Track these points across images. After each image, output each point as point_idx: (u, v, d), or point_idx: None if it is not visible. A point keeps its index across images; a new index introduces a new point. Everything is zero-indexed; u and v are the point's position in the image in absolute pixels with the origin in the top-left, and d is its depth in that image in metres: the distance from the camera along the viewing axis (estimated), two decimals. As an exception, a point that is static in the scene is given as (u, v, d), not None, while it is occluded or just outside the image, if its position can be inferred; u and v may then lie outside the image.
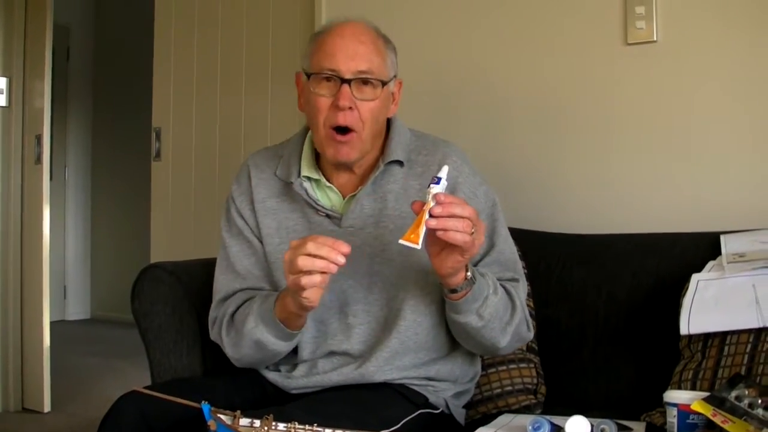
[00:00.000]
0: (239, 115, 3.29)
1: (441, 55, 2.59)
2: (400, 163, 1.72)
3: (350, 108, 1.62)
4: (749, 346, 1.62)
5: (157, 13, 3.61)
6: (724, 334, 1.67)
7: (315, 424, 1.28)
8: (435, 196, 1.41)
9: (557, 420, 1.49)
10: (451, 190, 1.68)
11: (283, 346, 1.66)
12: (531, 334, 1.74)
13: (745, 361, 1.60)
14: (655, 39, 2.21)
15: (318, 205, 1.72)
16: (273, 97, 3.17)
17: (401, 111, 1.82)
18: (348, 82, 1.62)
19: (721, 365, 1.63)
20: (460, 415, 1.79)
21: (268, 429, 1.24)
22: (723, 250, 1.83)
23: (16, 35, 3.82)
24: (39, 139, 3.80)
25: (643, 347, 1.91)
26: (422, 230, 1.39)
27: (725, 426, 1.35)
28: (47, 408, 3.78)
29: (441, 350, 1.73)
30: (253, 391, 1.72)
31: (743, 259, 1.76)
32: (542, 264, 2.07)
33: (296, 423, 1.27)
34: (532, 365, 1.95)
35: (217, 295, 1.78)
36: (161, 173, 3.59)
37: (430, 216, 1.39)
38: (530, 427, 1.47)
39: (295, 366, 1.74)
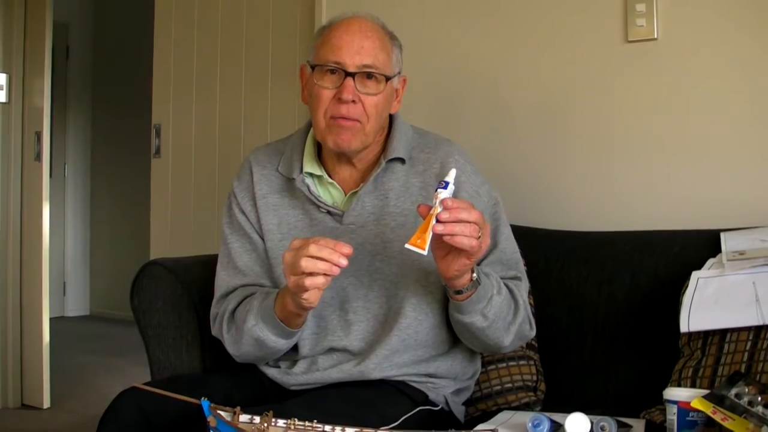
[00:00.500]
0: (239, 112, 3.28)
1: (442, 54, 2.59)
2: (401, 160, 1.72)
3: (353, 101, 1.63)
4: (749, 343, 1.62)
5: (157, 10, 3.60)
6: (723, 332, 1.67)
7: (314, 421, 1.28)
8: (443, 201, 1.40)
9: (557, 417, 1.49)
10: (455, 188, 1.68)
11: (283, 344, 1.66)
12: (533, 333, 1.74)
13: (745, 359, 1.60)
14: (655, 36, 2.21)
15: (319, 201, 1.72)
16: (273, 94, 3.16)
17: (404, 110, 1.82)
18: (352, 75, 1.62)
19: (721, 363, 1.63)
20: (459, 412, 1.79)
21: (268, 425, 1.24)
22: (723, 248, 1.83)
23: (16, 32, 3.81)
24: (39, 136, 3.80)
25: (643, 345, 1.91)
26: (429, 235, 1.38)
27: (725, 423, 1.35)
28: (46, 404, 3.78)
29: (441, 347, 1.73)
30: (252, 387, 1.73)
31: (743, 256, 1.76)
32: (542, 262, 2.07)
33: (296, 420, 1.27)
34: (532, 362, 1.95)
35: (218, 292, 1.78)
36: (161, 170, 3.59)
37: (437, 221, 1.39)
38: (530, 424, 1.48)
39: (294, 362, 1.74)
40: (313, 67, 1.67)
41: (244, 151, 3.16)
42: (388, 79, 1.67)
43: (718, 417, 1.36)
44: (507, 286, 1.66)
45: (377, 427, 1.35)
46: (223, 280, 1.78)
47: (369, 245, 1.69)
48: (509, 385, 1.90)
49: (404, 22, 2.54)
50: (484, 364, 1.90)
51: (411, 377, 1.70)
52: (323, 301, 1.67)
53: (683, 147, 2.18)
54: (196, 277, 1.92)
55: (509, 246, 1.76)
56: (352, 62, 1.62)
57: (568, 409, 1.47)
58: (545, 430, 1.46)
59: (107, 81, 6.71)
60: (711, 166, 2.14)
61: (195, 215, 3.43)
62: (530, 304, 1.94)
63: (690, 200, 2.16)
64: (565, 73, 2.36)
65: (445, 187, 1.43)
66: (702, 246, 1.89)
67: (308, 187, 1.73)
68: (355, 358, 1.69)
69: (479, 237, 1.42)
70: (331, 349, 1.71)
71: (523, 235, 1.83)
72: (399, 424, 1.55)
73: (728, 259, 1.78)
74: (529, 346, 1.96)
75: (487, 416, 1.76)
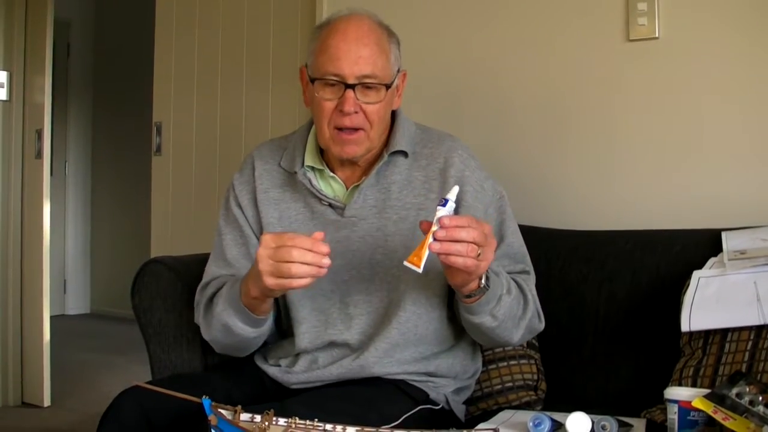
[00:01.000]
0: (240, 110, 3.28)
1: (444, 53, 2.59)
2: (404, 154, 1.72)
3: (356, 112, 1.63)
4: (750, 343, 1.62)
5: (158, 7, 3.60)
6: (725, 331, 1.67)
7: (315, 420, 1.28)
8: (439, 219, 1.40)
9: (558, 416, 1.49)
10: (459, 184, 1.68)
11: (250, 332, 1.65)
12: (542, 325, 1.75)
13: (746, 359, 1.60)
14: (657, 35, 2.21)
15: (321, 194, 1.72)
16: (274, 92, 3.16)
17: (407, 107, 1.81)
18: (352, 87, 1.62)
19: (722, 362, 1.63)
20: (460, 411, 1.79)
21: (269, 424, 1.24)
22: (724, 247, 1.83)
23: (17, 30, 3.82)
24: (39, 133, 3.80)
25: (644, 344, 1.91)
26: (425, 253, 1.39)
27: (726, 423, 1.35)
28: (47, 402, 3.79)
29: (442, 344, 1.73)
30: (252, 386, 1.73)
31: (744, 256, 1.76)
32: (543, 261, 2.07)
33: (297, 418, 1.27)
34: (532, 361, 1.94)
35: (202, 280, 1.80)
36: (162, 168, 3.59)
37: (434, 240, 1.39)
38: (531, 424, 1.47)
39: (295, 360, 1.74)
40: (312, 80, 1.67)
41: (245, 148, 3.16)
42: (388, 87, 1.67)
43: (719, 416, 1.36)
44: (515, 281, 1.66)
45: (378, 425, 1.35)
46: (210, 269, 1.80)
47: (370, 238, 1.69)
48: (510, 384, 1.90)
49: (407, 18, 2.55)
50: (484, 363, 1.90)
51: (411, 376, 1.70)
52: (323, 294, 1.67)
53: (685, 146, 2.18)
54: (197, 275, 1.91)
55: (516, 240, 1.76)
56: (351, 73, 1.62)
57: (569, 408, 1.47)
58: (546, 429, 1.46)
59: (108, 79, 6.71)
60: (712, 165, 2.14)
61: (196, 213, 3.43)
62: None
63: (691, 199, 2.16)
64: (567, 72, 2.36)
65: (444, 205, 1.43)
66: (703, 245, 1.89)
67: (310, 180, 1.73)
68: (354, 352, 1.70)
69: (478, 255, 1.42)
70: (332, 344, 1.71)
71: (524, 233, 1.83)
72: (400, 423, 1.55)
73: (729, 258, 1.77)
74: (530, 345, 1.96)
75: (487, 415, 1.76)
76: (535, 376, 1.93)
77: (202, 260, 1.95)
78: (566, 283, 2.04)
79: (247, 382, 1.73)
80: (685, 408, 1.44)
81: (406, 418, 1.58)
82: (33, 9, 3.82)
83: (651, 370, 1.85)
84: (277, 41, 3.17)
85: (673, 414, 1.46)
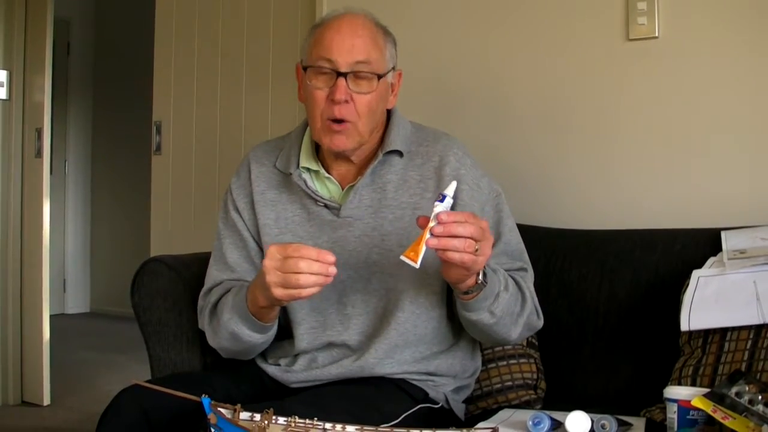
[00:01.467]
0: (240, 109, 3.28)
1: (443, 51, 2.59)
2: (399, 153, 1.72)
3: (346, 101, 1.63)
4: (749, 342, 1.62)
5: (158, 6, 3.60)
6: (724, 331, 1.67)
7: (315, 419, 1.28)
8: (437, 215, 1.40)
9: (557, 415, 1.49)
10: (456, 186, 1.68)
11: (258, 338, 1.66)
12: (541, 322, 1.74)
13: (746, 358, 1.60)
14: (656, 35, 2.21)
15: (317, 195, 1.72)
16: (273, 91, 3.16)
17: (404, 105, 1.81)
18: (344, 75, 1.62)
19: (722, 361, 1.63)
20: (460, 410, 1.79)
21: (269, 423, 1.24)
22: (724, 247, 1.83)
23: (17, 29, 3.81)
24: (39, 132, 3.80)
25: (643, 343, 1.91)
26: (422, 248, 1.39)
27: (725, 422, 1.35)
28: (46, 401, 3.79)
29: (441, 344, 1.73)
30: (252, 385, 1.73)
31: (744, 255, 1.76)
32: (542, 260, 2.07)
33: (296, 417, 1.27)
34: (532, 360, 1.95)
35: (205, 285, 1.80)
36: (161, 167, 3.59)
37: (431, 235, 1.39)
38: (530, 423, 1.48)
39: (294, 359, 1.74)
40: (305, 68, 1.68)
41: (245, 148, 3.16)
42: (380, 77, 1.66)
43: (718, 416, 1.36)
44: (513, 278, 1.66)
45: (377, 424, 1.35)
46: (211, 274, 1.80)
47: (366, 238, 1.69)
48: (509, 383, 1.90)
49: (405, 17, 2.55)
50: (484, 362, 1.90)
51: (411, 375, 1.70)
52: (320, 294, 1.67)
53: (684, 145, 2.18)
54: (197, 274, 1.92)
55: (513, 237, 1.76)
56: (343, 61, 1.62)
57: (569, 408, 1.47)
58: (546, 428, 1.46)
59: (108, 78, 6.71)
60: (712, 164, 2.14)
61: (195, 212, 3.43)
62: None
63: (691, 198, 2.16)
64: (567, 71, 2.36)
65: (442, 200, 1.43)
66: (703, 244, 1.89)
67: (305, 182, 1.73)
68: (354, 353, 1.70)
69: (476, 251, 1.42)
70: (330, 345, 1.71)
71: (524, 232, 1.83)
72: (399, 421, 1.55)
73: (729, 257, 1.77)
74: (529, 344, 1.96)
75: (487, 414, 1.76)
76: (535, 375, 1.93)
77: (201, 259, 1.95)
78: (566, 282, 2.04)
79: (247, 381, 1.73)
80: (684, 407, 1.44)
81: (405, 416, 1.58)
82: (33, 8, 3.82)
83: (650, 369, 1.85)
84: (277, 40, 3.17)
85: (672, 413, 1.46)
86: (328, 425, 1.28)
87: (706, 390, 1.45)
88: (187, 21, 3.46)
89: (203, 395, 1.21)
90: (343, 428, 1.28)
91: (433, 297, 1.69)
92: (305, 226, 1.73)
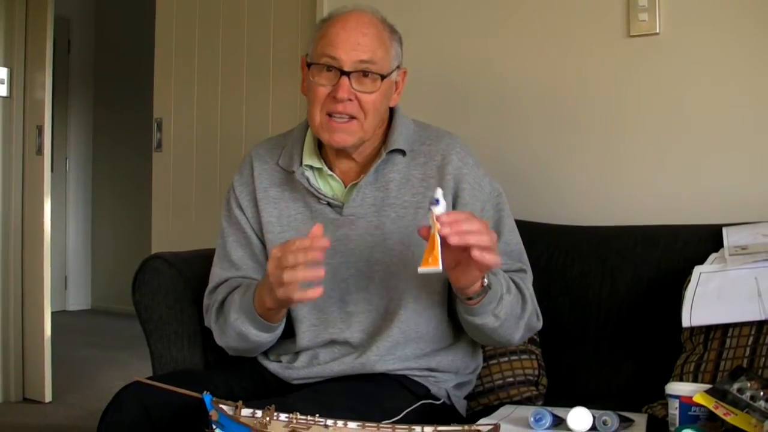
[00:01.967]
0: (240, 106, 3.28)
1: (445, 49, 2.58)
2: (402, 152, 1.72)
3: (350, 99, 1.63)
4: (751, 338, 1.62)
5: (159, 4, 3.60)
6: (726, 327, 1.67)
7: (316, 415, 1.28)
8: (437, 218, 1.39)
9: (559, 411, 1.49)
10: (456, 181, 1.68)
11: (266, 338, 1.67)
12: (540, 324, 1.74)
13: (747, 354, 1.60)
14: (657, 31, 2.20)
15: (319, 193, 1.72)
16: (274, 88, 3.16)
17: (407, 103, 1.81)
18: (348, 74, 1.62)
19: (723, 358, 1.63)
20: (461, 406, 1.79)
21: (270, 419, 1.24)
22: (725, 243, 1.83)
23: (18, 26, 3.81)
24: (40, 130, 3.81)
25: (645, 339, 1.91)
26: (438, 252, 1.36)
27: (727, 418, 1.35)
28: (48, 398, 3.79)
29: (443, 341, 1.73)
30: (253, 381, 1.73)
31: (745, 251, 1.76)
32: (544, 256, 2.07)
33: (298, 414, 1.27)
34: (533, 357, 1.94)
35: (210, 283, 1.80)
36: (162, 164, 3.58)
37: (441, 238, 1.37)
38: (532, 419, 1.48)
39: (296, 356, 1.74)
40: (309, 65, 1.67)
41: (246, 145, 3.16)
42: (383, 77, 1.66)
43: (720, 412, 1.36)
44: (513, 280, 1.66)
45: (379, 421, 1.34)
46: (216, 272, 1.80)
47: (369, 236, 1.69)
48: (511, 379, 1.90)
49: (409, 15, 2.54)
50: (485, 359, 1.90)
51: (413, 371, 1.70)
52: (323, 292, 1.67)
53: (686, 141, 2.17)
54: (198, 271, 1.92)
55: (513, 237, 1.76)
56: (348, 59, 1.62)
57: (570, 404, 1.47)
58: (547, 424, 1.46)
59: (109, 75, 6.71)
60: (713, 161, 2.14)
61: (196, 209, 3.43)
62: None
63: (692, 195, 2.16)
64: (568, 68, 2.36)
65: (437, 203, 1.42)
66: (704, 241, 1.89)
67: (308, 179, 1.73)
68: (355, 350, 1.70)
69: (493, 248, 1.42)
70: (332, 342, 1.71)
71: (526, 229, 1.83)
72: (401, 418, 1.55)
73: (730, 254, 1.77)
74: (531, 340, 1.96)
75: (488, 410, 1.76)
76: (536, 371, 1.93)
77: (203, 256, 1.95)
78: (568, 279, 2.04)
79: (249, 377, 1.74)
80: (686, 403, 1.44)
81: (407, 413, 1.58)
82: (33, 5, 3.82)
83: (652, 366, 1.85)
84: (277, 38, 3.17)
85: (674, 409, 1.46)
86: (329, 422, 1.28)
87: (708, 386, 1.45)
88: (188, 18, 3.46)
89: (205, 392, 1.21)
90: (345, 425, 1.28)
91: (435, 295, 1.69)
92: (308, 224, 1.72)
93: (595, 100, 2.31)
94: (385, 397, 1.59)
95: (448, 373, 1.75)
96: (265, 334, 1.66)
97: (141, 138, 5.21)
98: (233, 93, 3.31)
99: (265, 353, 1.79)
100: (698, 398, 1.40)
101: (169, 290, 1.91)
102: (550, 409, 1.51)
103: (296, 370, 1.72)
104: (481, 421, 1.57)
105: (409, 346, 1.69)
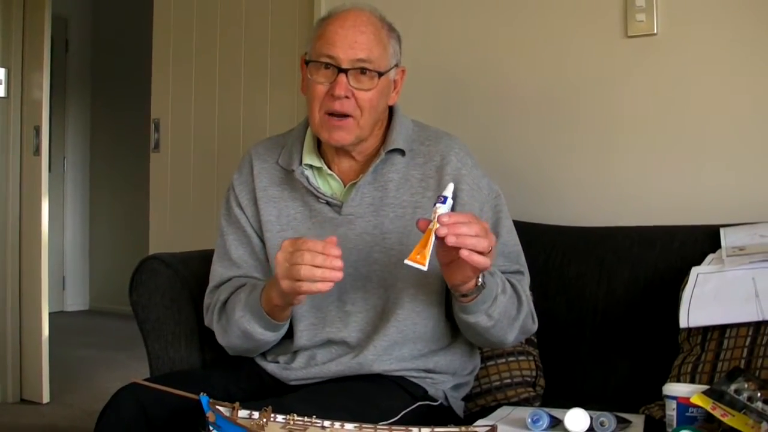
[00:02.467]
0: (238, 106, 3.28)
1: (443, 49, 2.58)
2: (401, 152, 1.72)
3: (347, 97, 1.63)
4: (748, 339, 1.62)
5: (156, 4, 3.60)
6: (723, 328, 1.67)
7: (314, 416, 1.28)
8: (438, 217, 1.39)
9: (556, 413, 1.49)
10: (455, 182, 1.68)
11: (270, 336, 1.67)
12: (535, 326, 1.74)
13: (745, 355, 1.60)
14: (655, 32, 2.20)
15: (319, 192, 1.72)
16: (272, 89, 3.16)
17: (406, 103, 1.81)
18: (345, 71, 1.62)
19: (721, 358, 1.63)
20: (459, 407, 1.79)
21: (267, 421, 1.24)
22: (722, 243, 1.83)
23: (15, 26, 3.81)
24: (37, 130, 3.80)
25: (642, 340, 1.91)
26: (429, 251, 1.37)
27: (724, 419, 1.35)
28: (46, 399, 3.78)
29: (440, 342, 1.73)
30: (251, 382, 1.73)
31: (743, 252, 1.76)
32: (541, 256, 2.07)
33: (295, 415, 1.27)
34: (531, 358, 1.94)
35: (211, 282, 1.80)
36: (160, 164, 3.58)
37: (437, 237, 1.38)
38: (529, 420, 1.47)
39: (293, 356, 1.74)
40: (308, 62, 1.68)
41: (244, 145, 3.16)
42: (381, 74, 1.66)
43: (717, 413, 1.36)
44: (510, 281, 1.66)
45: (376, 422, 1.34)
46: (217, 271, 1.80)
47: (367, 236, 1.69)
48: (508, 380, 1.90)
49: (407, 14, 2.54)
50: (483, 360, 1.90)
51: (410, 372, 1.70)
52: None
53: (683, 142, 2.18)
54: (195, 272, 1.92)
55: (511, 239, 1.76)
56: (345, 57, 1.62)
57: (568, 405, 1.47)
58: (544, 425, 1.46)
59: (106, 75, 6.71)
60: (711, 161, 2.14)
61: (194, 210, 3.43)
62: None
63: (689, 195, 2.16)
64: (565, 68, 2.36)
65: (444, 202, 1.42)
66: (702, 241, 1.89)
67: (307, 178, 1.73)
68: (353, 350, 1.70)
69: (489, 251, 1.42)
70: (329, 342, 1.71)
71: (524, 229, 1.83)
72: (398, 419, 1.55)
73: (728, 254, 1.77)
74: (528, 341, 1.96)
75: (486, 412, 1.76)
76: (534, 373, 1.93)
77: (200, 257, 1.95)
78: (565, 279, 2.04)
79: (246, 378, 1.73)
80: (683, 404, 1.44)
81: (404, 414, 1.58)
82: (31, 5, 3.82)
83: (649, 367, 1.85)
84: (275, 38, 3.17)
85: (671, 410, 1.46)
86: (326, 423, 1.28)
87: (705, 387, 1.45)
88: (185, 18, 3.46)
89: (201, 393, 1.21)
90: (342, 426, 1.28)
91: (433, 295, 1.69)
92: (307, 223, 1.73)
93: (593, 100, 2.31)
94: (382, 398, 1.59)
95: (446, 374, 1.75)
96: (270, 332, 1.66)
97: (138, 138, 5.20)
98: (231, 93, 3.31)
99: (263, 354, 1.79)
100: (695, 399, 1.40)
101: (166, 291, 1.91)
102: (547, 410, 1.51)
103: (294, 370, 1.72)
104: (479, 422, 1.57)
105: (406, 346, 1.69)
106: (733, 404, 1.38)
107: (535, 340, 1.98)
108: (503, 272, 1.67)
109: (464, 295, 1.55)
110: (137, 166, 5.42)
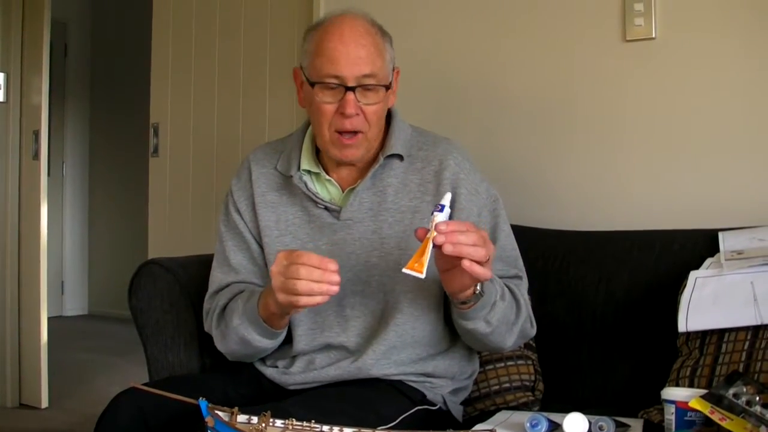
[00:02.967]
0: (237, 111, 3.28)
1: (440, 54, 2.58)
2: (399, 157, 1.72)
3: (357, 114, 1.63)
4: (747, 343, 1.62)
5: (155, 8, 3.60)
6: (722, 332, 1.67)
7: (312, 421, 1.28)
8: (437, 225, 1.39)
9: (555, 417, 1.49)
10: (453, 186, 1.68)
11: (268, 344, 1.68)
12: (534, 331, 1.75)
13: (743, 359, 1.60)
14: (653, 36, 2.21)
15: (317, 198, 1.72)
16: (271, 93, 3.16)
17: (404, 107, 1.81)
18: (352, 89, 1.62)
19: (719, 362, 1.63)
20: (457, 411, 1.79)
21: (266, 425, 1.24)
22: (721, 248, 1.83)
23: (14, 31, 3.81)
24: (36, 134, 3.80)
25: (641, 344, 1.91)
26: (426, 259, 1.38)
27: (723, 423, 1.35)
28: (44, 404, 3.78)
29: (439, 346, 1.73)
30: (250, 387, 1.73)
31: (741, 256, 1.76)
32: (540, 261, 2.07)
33: (294, 420, 1.27)
34: (530, 362, 1.94)
35: (210, 288, 1.80)
36: (159, 169, 3.58)
37: (434, 245, 1.38)
38: (528, 424, 1.48)
39: (292, 361, 1.74)
40: (312, 84, 1.66)
41: (243, 150, 3.16)
42: (387, 87, 1.67)
43: (716, 417, 1.36)
44: (508, 287, 1.66)
45: (375, 426, 1.35)
46: (216, 276, 1.80)
47: (366, 241, 1.69)
48: (507, 384, 1.90)
49: (403, 17, 2.55)
50: (482, 364, 1.90)
51: (409, 376, 1.70)
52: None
53: (681, 146, 2.18)
54: (194, 277, 1.92)
55: (509, 243, 1.76)
56: (351, 74, 1.61)
57: (566, 409, 1.47)
58: (543, 429, 1.47)
59: (105, 80, 6.71)
60: (709, 166, 2.14)
61: (193, 214, 3.43)
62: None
63: (688, 199, 2.16)
64: (563, 72, 2.36)
65: (441, 210, 1.42)
66: (700, 245, 1.89)
67: (306, 184, 1.73)
68: (352, 355, 1.70)
69: (487, 260, 1.43)
70: (328, 346, 1.71)
71: (522, 233, 1.83)
72: (397, 423, 1.55)
73: (726, 258, 1.77)
74: (527, 345, 1.96)
75: (485, 416, 1.76)
76: (533, 377, 1.93)
77: (199, 261, 1.95)
78: (564, 283, 2.04)
79: (245, 383, 1.73)
80: (682, 408, 1.44)
81: (403, 418, 1.58)
82: (30, 9, 3.82)
83: (648, 371, 1.85)
84: (273, 43, 3.17)
85: (670, 414, 1.46)
86: (325, 427, 1.28)
87: (704, 391, 1.45)
88: (184, 23, 3.46)
89: (200, 398, 1.21)
90: (341, 430, 1.28)
91: (432, 300, 1.69)
92: (305, 228, 1.73)
93: (592, 104, 2.31)
94: (381, 403, 1.59)
95: (445, 379, 1.75)
96: (268, 340, 1.66)
97: (138, 143, 5.20)
98: (230, 98, 3.31)
99: (262, 358, 1.79)
100: (694, 403, 1.40)
101: (165, 295, 1.91)
102: (546, 414, 1.51)
103: (293, 375, 1.72)
104: (477, 426, 1.57)
105: (405, 350, 1.69)
106: (732, 408, 1.38)
107: (534, 345, 1.98)
108: (501, 277, 1.67)
109: (463, 303, 1.55)
110: (136, 171, 5.43)
